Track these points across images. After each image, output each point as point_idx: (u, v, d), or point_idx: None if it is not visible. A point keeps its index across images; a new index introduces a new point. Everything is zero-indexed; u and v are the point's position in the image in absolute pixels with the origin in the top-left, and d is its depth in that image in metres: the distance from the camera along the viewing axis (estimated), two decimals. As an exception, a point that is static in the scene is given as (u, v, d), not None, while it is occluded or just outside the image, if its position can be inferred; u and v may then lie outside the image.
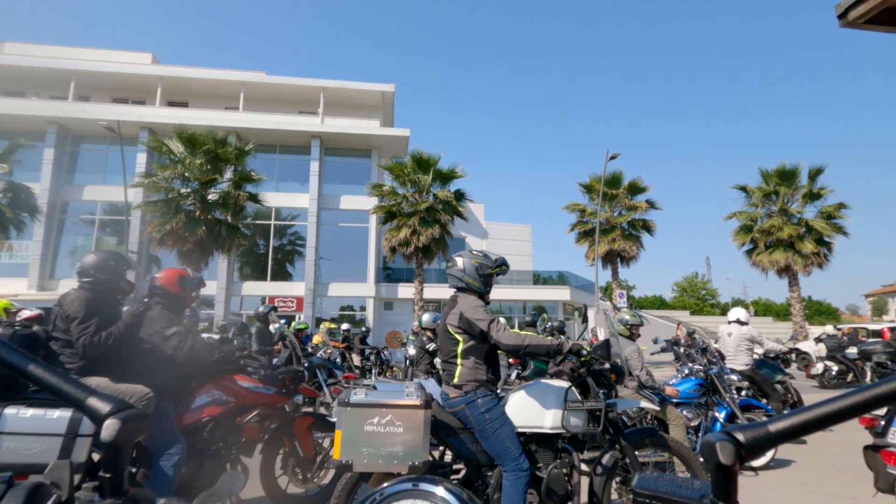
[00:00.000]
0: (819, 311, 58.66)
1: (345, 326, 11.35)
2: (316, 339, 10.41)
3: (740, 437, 0.53)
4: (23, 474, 2.59)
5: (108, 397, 0.62)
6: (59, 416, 2.54)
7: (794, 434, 0.55)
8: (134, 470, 2.98)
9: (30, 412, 2.63)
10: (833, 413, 0.55)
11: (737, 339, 6.24)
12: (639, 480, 0.64)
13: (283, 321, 5.54)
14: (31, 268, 20.55)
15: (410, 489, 0.45)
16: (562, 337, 8.19)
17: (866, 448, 3.26)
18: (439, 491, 0.44)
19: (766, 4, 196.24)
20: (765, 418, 0.68)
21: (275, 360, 3.87)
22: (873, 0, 2.36)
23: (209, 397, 3.29)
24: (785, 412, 0.59)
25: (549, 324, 8.70)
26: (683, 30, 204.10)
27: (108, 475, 0.60)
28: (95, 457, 2.92)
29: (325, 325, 10.97)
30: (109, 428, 0.58)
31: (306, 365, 5.48)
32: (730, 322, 6.46)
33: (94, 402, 0.62)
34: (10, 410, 2.74)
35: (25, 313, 6.75)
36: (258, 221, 22.07)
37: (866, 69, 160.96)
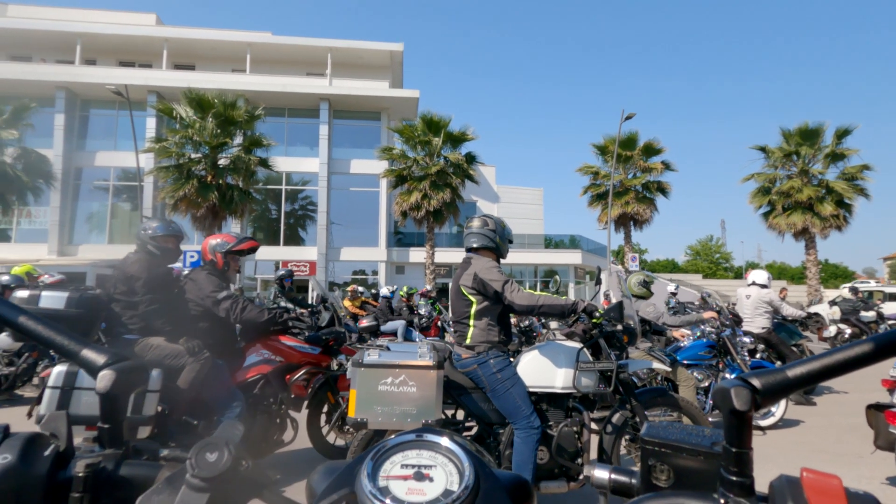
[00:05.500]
0: (835, 275, 57.82)
1: (360, 289, 11.55)
2: (345, 303, 10.71)
3: (756, 382, 0.51)
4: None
5: (103, 349, 0.62)
6: None
7: (814, 379, 0.52)
8: (195, 423, 3.15)
9: None
10: (854, 357, 0.51)
11: (755, 302, 6.16)
12: (647, 429, 0.62)
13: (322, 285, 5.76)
14: (50, 234, 20.93)
15: (414, 440, 0.45)
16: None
17: (869, 407, 3.33)
18: (444, 441, 0.44)
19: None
20: None
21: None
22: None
23: (258, 357, 3.49)
24: (804, 358, 0.56)
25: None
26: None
27: (106, 426, 0.61)
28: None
29: (351, 288, 11.34)
30: (104, 379, 0.59)
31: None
32: (749, 284, 6.38)
33: (88, 353, 0.62)
34: None
35: (46, 279, 6.93)
36: (269, 186, 22.08)
37: (892, 22, 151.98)
